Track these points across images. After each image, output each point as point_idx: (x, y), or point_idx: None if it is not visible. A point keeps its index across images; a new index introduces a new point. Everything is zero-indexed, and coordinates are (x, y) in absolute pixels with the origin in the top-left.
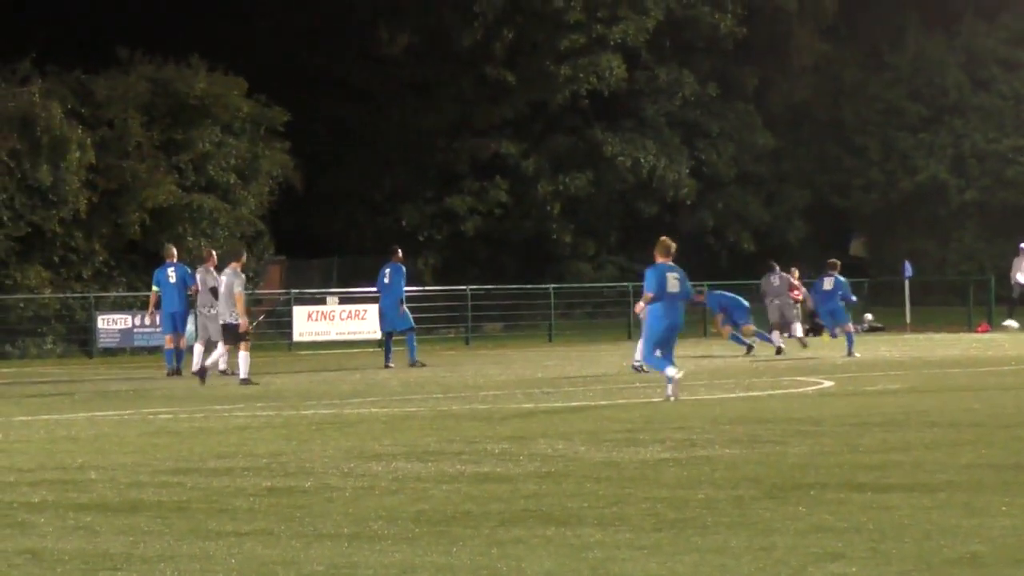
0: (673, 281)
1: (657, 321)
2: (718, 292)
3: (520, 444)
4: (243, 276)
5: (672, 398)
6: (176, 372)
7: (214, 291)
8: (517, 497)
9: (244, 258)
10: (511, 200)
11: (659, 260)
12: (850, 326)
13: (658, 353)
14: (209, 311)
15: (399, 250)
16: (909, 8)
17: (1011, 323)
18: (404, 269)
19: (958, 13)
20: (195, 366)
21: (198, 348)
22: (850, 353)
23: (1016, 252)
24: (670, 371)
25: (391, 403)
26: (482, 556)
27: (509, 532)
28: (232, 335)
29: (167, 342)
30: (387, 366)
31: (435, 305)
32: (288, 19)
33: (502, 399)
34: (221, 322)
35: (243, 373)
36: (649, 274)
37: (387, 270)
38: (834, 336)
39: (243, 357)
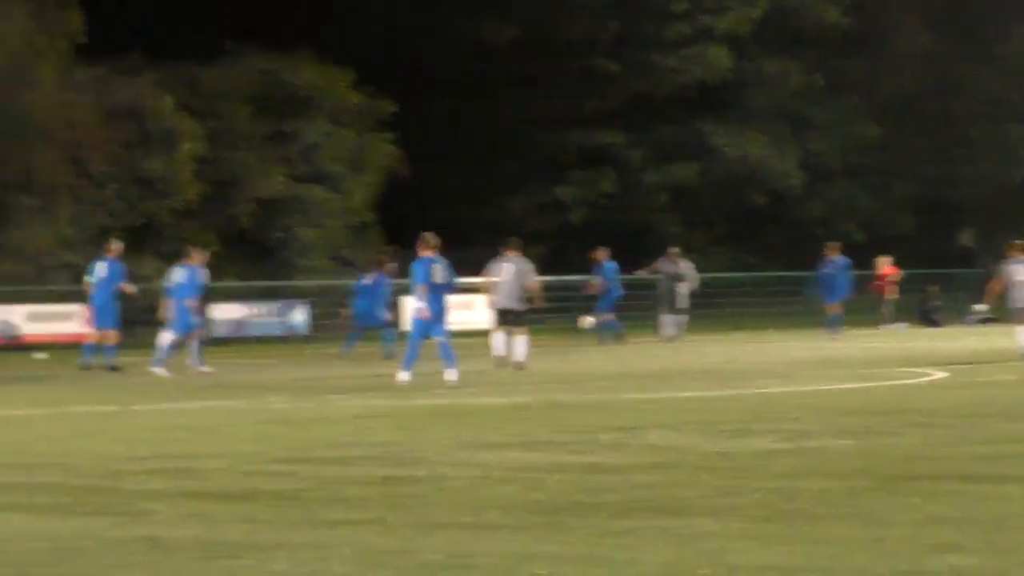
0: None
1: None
2: None
3: (632, 434)
4: (531, 264)
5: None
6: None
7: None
8: (629, 487)
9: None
10: (618, 190)
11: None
12: None
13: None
14: None
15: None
16: None
17: None
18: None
19: None
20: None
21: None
22: None
23: None
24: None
25: (504, 393)
26: (596, 546)
27: (622, 522)
28: (517, 319)
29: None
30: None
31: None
32: (395, 11)
33: (613, 389)
34: (505, 307)
35: (520, 356)
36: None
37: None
38: None
39: (522, 341)
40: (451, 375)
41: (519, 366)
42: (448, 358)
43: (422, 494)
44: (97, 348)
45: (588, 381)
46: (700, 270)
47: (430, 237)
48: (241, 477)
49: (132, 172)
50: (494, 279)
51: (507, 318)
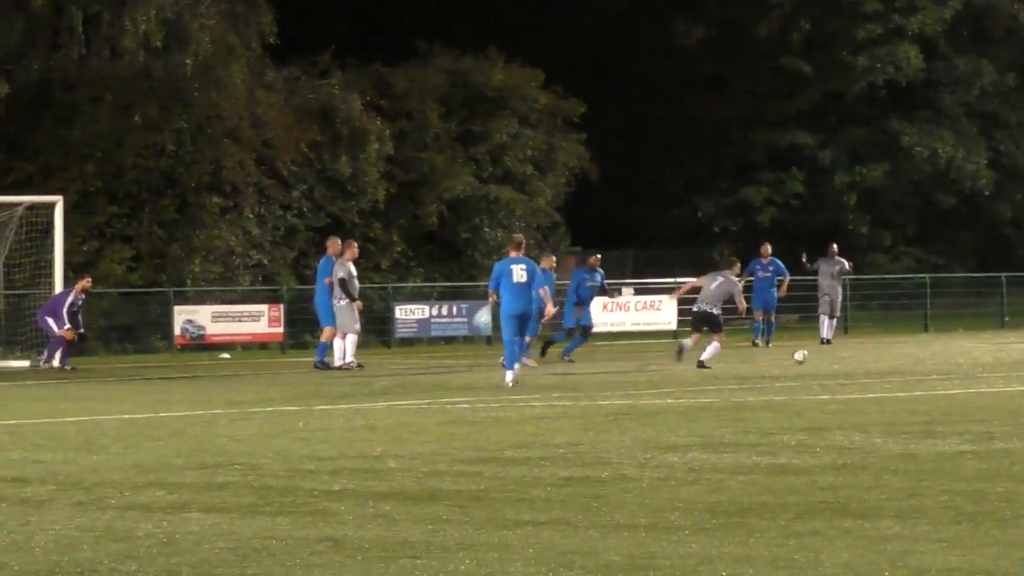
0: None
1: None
2: None
3: (816, 436)
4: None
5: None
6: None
7: (342, 282)
8: (814, 489)
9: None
10: (807, 191)
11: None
12: None
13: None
14: (339, 302)
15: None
16: None
17: None
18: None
19: None
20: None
21: (338, 341)
22: None
23: None
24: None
25: (686, 394)
26: (779, 547)
27: (806, 524)
28: (714, 324)
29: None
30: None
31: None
32: (584, 11)
33: (797, 390)
34: (704, 310)
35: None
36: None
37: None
38: None
39: (714, 345)
40: (508, 376)
41: (704, 365)
42: (513, 359)
43: (605, 495)
44: (327, 346)
45: (771, 382)
46: (888, 271)
47: (518, 237)
48: (423, 477)
49: (321, 172)
50: (697, 284)
51: (702, 321)
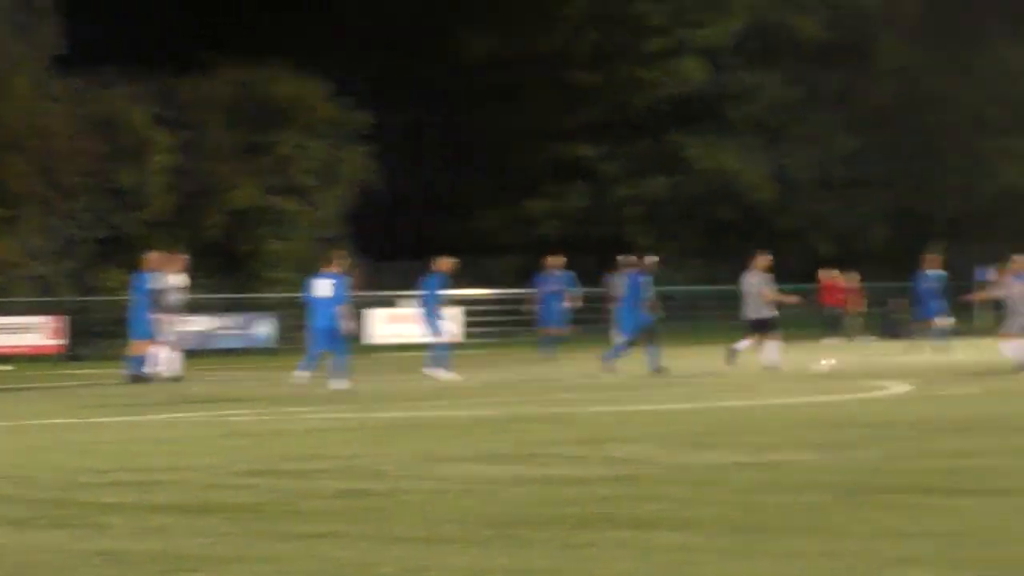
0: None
1: None
2: None
3: (592, 447)
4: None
5: None
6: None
7: (154, 294)
8: (589, 500)
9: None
10: (590, 203)
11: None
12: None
13: None
14: (152, 315)
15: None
16: (991, 13)
17: None
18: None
19: None
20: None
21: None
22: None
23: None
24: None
25: (465, 406)
26: (554, 559)
27: (581, 535)
28: (766, 326)
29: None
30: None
31: (514, 308)
32: (371, 23)
33: (574, 402)
34: (755, 317)
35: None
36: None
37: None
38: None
39: (771, 347)
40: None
41: (770, 369)
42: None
43: (380, 507)
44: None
45: (550, 394)
46: (673, 283)
47: (333, 254)
48: (201, 490)
49: (104, 184)
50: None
51: (758, 327)
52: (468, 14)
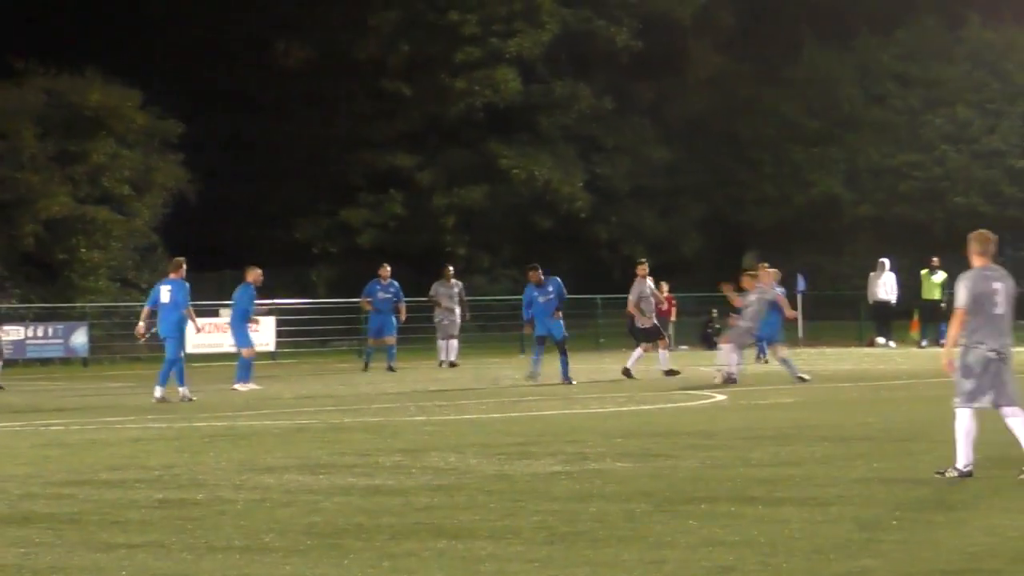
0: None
1: None
2: None
3: (413, 457)
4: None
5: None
6: None
7: None
8: (409, 510)
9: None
10: (406, 213)
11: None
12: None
13: None
14: None
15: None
16: (805, 23)
17: (881, 340)
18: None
19: (854, 28)
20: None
21: None
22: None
23: (874, 268)
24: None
25: (284, 416)
26: (374, 568)
27: (401, 545)
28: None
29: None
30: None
31: (330, 318)
32: (183, 31)
33: (395, 412)
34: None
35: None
36: None
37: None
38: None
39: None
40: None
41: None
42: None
43: (200, 517)
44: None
45: (369, 403)
46: (487, 292)
47: (177, 260)
48: (16, 500)
49: None
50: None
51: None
52: (283, 23)
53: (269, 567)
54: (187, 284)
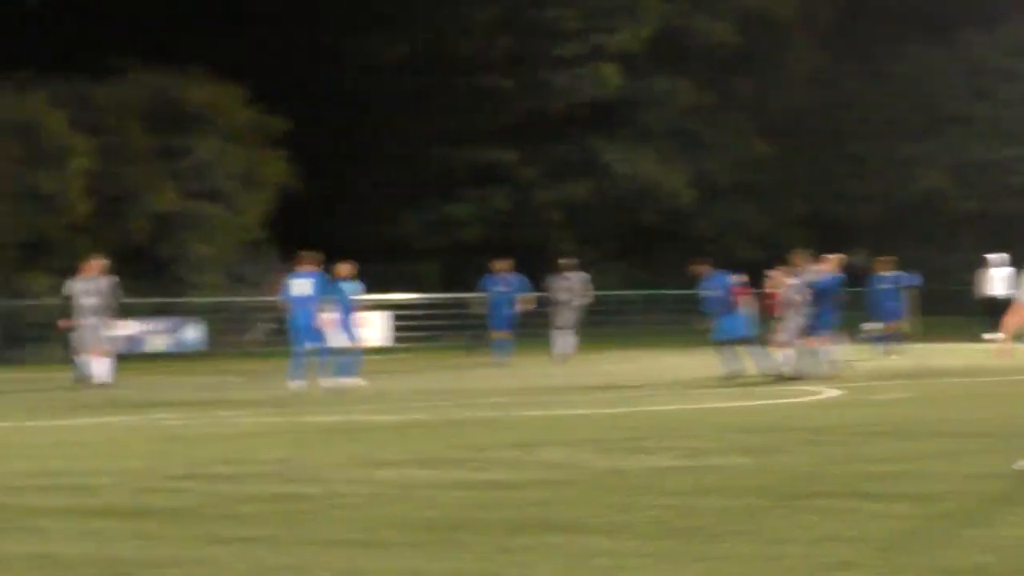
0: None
1: None
2: None
3: (526, 451)
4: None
5: None
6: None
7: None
8: (524, 504)
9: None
10: (510, 207)
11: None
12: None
13: None
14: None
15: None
16: (909, 18)
17: (991, 336)
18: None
19: (957, 23)
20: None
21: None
22: None
23: (981, 263)
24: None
25: (399, 410)
26: (490, 562)
27: (516, 539)
28: None
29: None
30: None
31: (440, 312)
32: (287, 28)
33: (507, 406)
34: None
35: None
36: None
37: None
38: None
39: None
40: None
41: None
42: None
43: (315, 511)
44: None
45: (483, 398)
46: (595, 287)
47: (307, 255)
48: (134, 494)
49: (22, 188)
50: None
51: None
52: (383, 20)
53: (385, 560)
54: (325, 276)
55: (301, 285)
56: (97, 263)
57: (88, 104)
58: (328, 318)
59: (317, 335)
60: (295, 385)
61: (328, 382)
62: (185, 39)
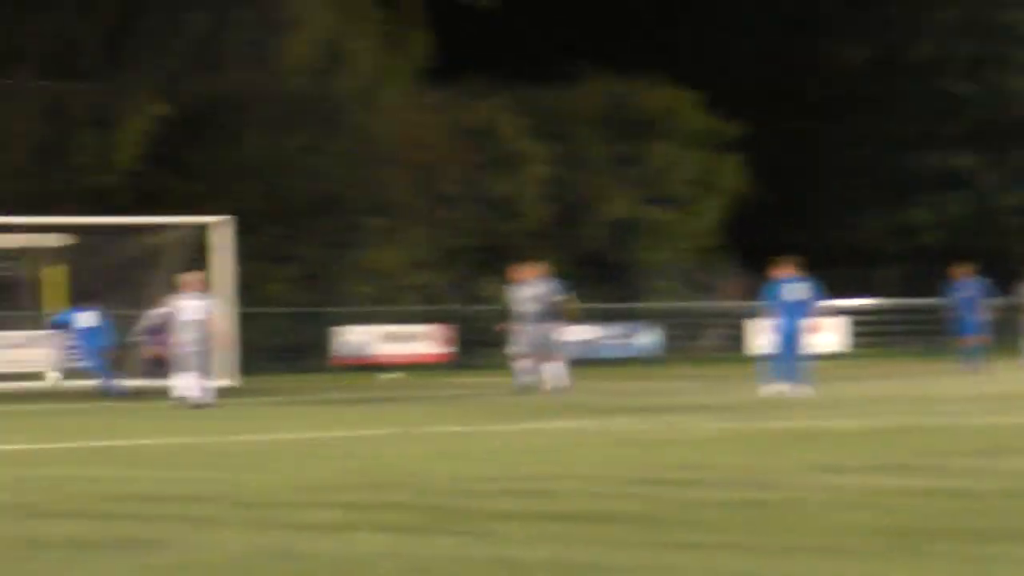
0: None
1: None
2: None
3: (988, 459)
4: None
5: None
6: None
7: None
8: (989, 513)
9: None
10: (968, 213)
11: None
12: None
13: None
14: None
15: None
16: None
17: None
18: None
19: None
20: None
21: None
22: None
23: None
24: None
25: (855, 416)
26: (955, 572)
27: (983, 548)
28: None
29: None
30: None
31: (898, 317)
32: (743, 33)
33: (967, 414)
34: None
35: None
36: None
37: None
38: None
39: None
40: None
41: None
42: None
43: (774, 517)
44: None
45: (946, 404)
46: None
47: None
48: (592, 498)
49: (479, 194)
50: None
51: None
52: (837, 24)
53: (846, 568)
54: (814, 281)
55: (791, 290)
56: (537, 268)
57: (543, 111)
58: (812, 324)
59: (797, 342)
60: (773, 389)
61: (776, 388)
62: (640, 45)
